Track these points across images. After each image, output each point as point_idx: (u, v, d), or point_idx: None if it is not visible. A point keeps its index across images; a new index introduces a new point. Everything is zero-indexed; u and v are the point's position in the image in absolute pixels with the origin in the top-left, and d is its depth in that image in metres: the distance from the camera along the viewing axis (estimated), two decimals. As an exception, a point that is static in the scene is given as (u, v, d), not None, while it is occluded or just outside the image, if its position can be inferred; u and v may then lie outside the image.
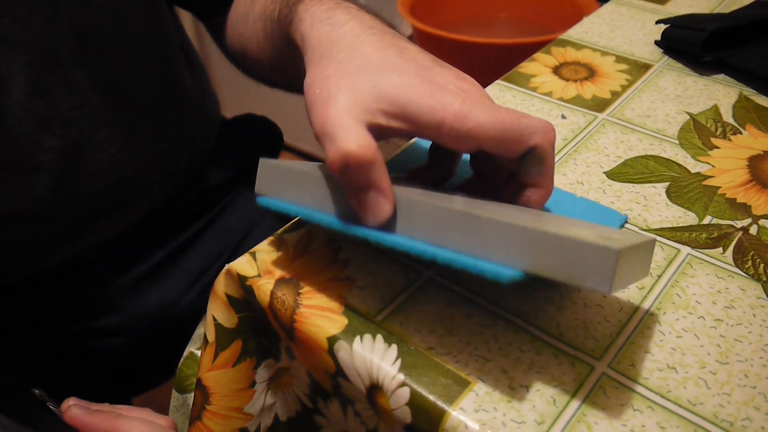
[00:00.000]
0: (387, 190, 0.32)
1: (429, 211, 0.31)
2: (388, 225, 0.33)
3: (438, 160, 0.40)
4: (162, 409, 0.53)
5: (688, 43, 0.57)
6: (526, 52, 0.64)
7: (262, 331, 0.42)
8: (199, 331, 0.55)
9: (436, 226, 0.31)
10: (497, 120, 0.31)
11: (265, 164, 0.38)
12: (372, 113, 0.32)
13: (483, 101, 0.32)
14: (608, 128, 0.51)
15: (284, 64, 0.52)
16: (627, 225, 0.42)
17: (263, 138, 0.75)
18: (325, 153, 0.32)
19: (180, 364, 0.50)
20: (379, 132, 0.33)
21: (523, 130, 0.32)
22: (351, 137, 0.31)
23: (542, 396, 0.32)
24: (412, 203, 0.32)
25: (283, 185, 0.37)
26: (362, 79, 0.33)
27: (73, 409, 0.48)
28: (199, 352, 0.48)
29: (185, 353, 0.50)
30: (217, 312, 0.42)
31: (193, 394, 0.46)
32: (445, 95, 0.32)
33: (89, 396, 0.64)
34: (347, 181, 0.32)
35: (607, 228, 0.32)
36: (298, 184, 0.36)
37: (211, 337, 0.42)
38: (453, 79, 0.33)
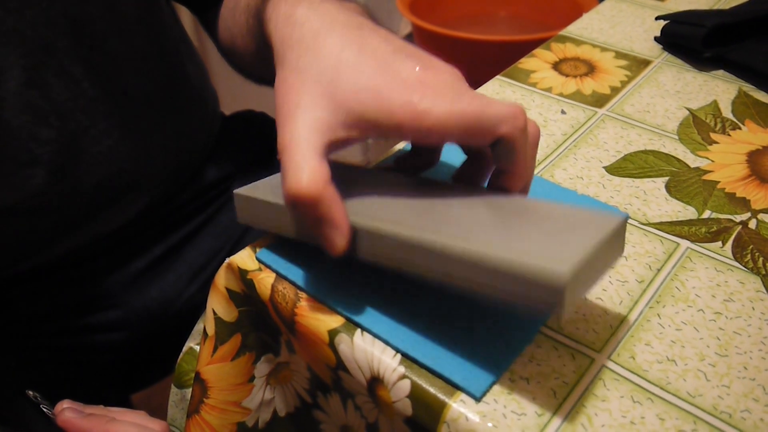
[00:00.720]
0: (339, 223, 0.32)
1: (388, 240, 0.31)
2: (352, 252, 0.33)
3: (418, 149, 0.40)
4: (161, 405, 0.53)
5: (688, 39, 0.57)
6: (525, 49, 0.64)
7: (262, 326, 0.42)
8: (199, 326, 0.55)
9: (396, 253, 0.31)
10: (458, 114, 0.31)
11: (239, 197, 0.39)
12: (331, 129, 0.32)
13: (445, 93, 0.32)
14: (608, 123, 0.51)
15: (267, 59, 0.52)
16: (628, 220, 0.42)
17: (262, 134, 0.75)
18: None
19: (179, 359, 0.50)
20: (343, 143, 0.33)
21: (486, 121, 0.31)
22: (300, 173, 0.31)
23: (542, 388, 0.32)
24: (371, 232, 0.32)
25: (261, 215, 0.38)
26: (321, 88, 0.32)
27: (66, 412, 0.48)
28: (198, 348, 0.48)
29: (184, 348, 0.50)
30: (217, 306, 0.42)
31: (191, 388, 0.46)
32: (404, 93, 0.31)
33: (88, 391, 0.64)
34: (301, 216, 0.33)
35: (582, 214, 0.31)
36: (271, 213, 0.37)
37: (211, 330, 0.42)
38: (415, 71, 0.32)
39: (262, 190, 0.39)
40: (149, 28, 0.56)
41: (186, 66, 0.63)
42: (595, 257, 0.27)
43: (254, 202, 0.38)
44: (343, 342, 0.35)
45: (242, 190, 0.39)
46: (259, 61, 0.54)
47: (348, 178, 0.39)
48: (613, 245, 0.30)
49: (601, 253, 0.28)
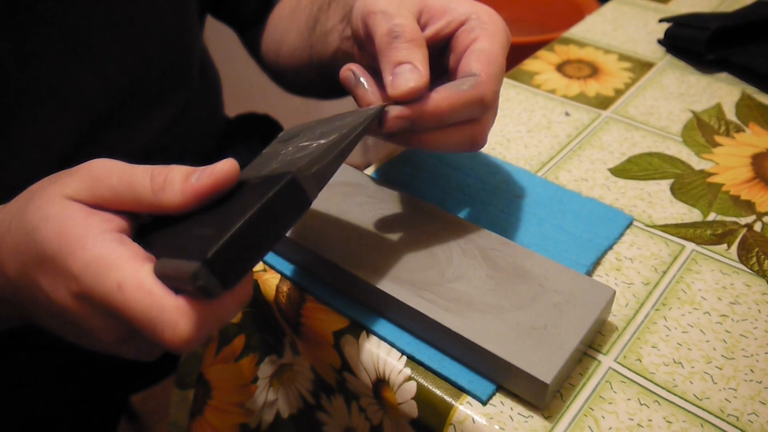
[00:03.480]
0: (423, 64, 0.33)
1: (410, 312, 0.33)
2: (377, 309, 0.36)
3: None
4: (162, 406, 0.53)
5: (691, 42, 0.57)
6: (526, 51, 0.64)
7: (266, 327, 0.41)
8: (201, 327, 0.55)
9: (413, 322, 0.34)
10: None
11: None
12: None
13: None
14: (612, 126, 0.51)
15: (318, 55, 0.52)
16: (633, 223, 0.42)
17: (265, 137, 0.75)
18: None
19: (181, 360, 0.50)
20: None
21: None
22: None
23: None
24: (397, 302, 0.34)
25: None
26: None
27: None
28: (200, 349, 0.48)
29: (187, 349, 0.49)
30: (221, 306, 0.41)
31: (193, 389, 0.46)
32: None
33: (87, 393, 0.64)
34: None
35: (572, 292, 0.34)
36: None
37: (215, 332, 0.42)
38: None
39: None
40: (180, 38, 0.56)
41: (204, 80, 0.63)
42: (577, 351, 0.32)
43: None
44: (348, 343, 0.35)
45: None
46: (309, 59, 0.54)
47: (350, 194, 0.39)
48: (596, 326, 0.33)
49: (586, 338, 0.33)
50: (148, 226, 0.30)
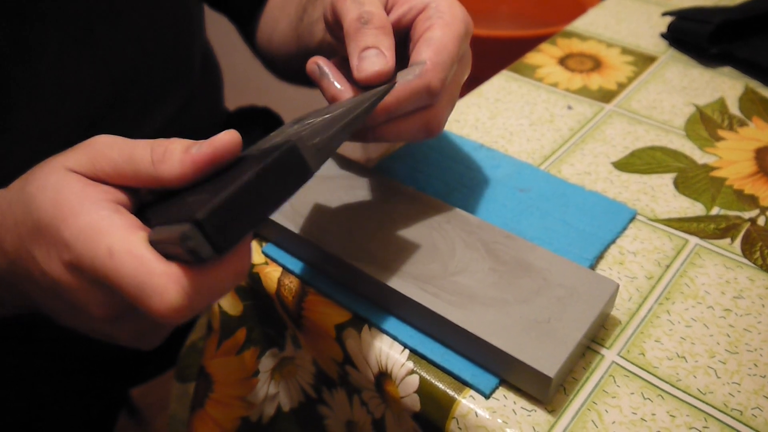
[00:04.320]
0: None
1: (414, 306, 0.33)
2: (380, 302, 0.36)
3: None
4: (161, 399, 0.53)
5: (694, 36, 0.57)
6: (528, 45, 0.63)
7: (267, 320, 0.41)
8: (201, 320, 0.55)
9: (416, 315, 0.34)
10: None
11: None
12: None
13: None
14: (615, 119, 0.51)
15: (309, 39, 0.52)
16: (636, 216, 0.41)
17: (266, 130, 0.75)
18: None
19: (181, 353, 0.49)
20: None
21: None
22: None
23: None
24: (400, 296, 0.34)
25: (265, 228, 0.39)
26: None
27: None
28: (201, 342, 0.48)
29: (187, 342, 0.49)
30: (223, 300, 0.41)
31: (194, 382, 0.46)
32: None
33: (87, 386, 0.64)
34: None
35: (575, 286, 0.34)
36: (272, 227, 0.38)
37: (216, 324, 0.42)
38: None
39: None
40: (179, 28, 0.56)
41: (206, 74, 0.63)
42: (580, 345, 0.32)
43: None
44: (350, 337, 0.35)
45: None
46: (296, 52, 0.54)
47: (352, 191, 0.39)
48: (599, 320, 0.33)
49: (590, 332, 0.32)
50: (149, 205, 0.30)
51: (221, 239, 0.24)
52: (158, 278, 0.25)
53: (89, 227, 0.26)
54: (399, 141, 0.37)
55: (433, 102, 0.33)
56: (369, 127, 0.34)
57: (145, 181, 0.29)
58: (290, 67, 0.60)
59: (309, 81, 0.59)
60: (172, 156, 0.28)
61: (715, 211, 0.42)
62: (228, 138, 0.27)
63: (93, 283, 0.28)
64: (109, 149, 0.29)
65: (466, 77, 0.37)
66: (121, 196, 0.29)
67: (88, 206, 0.27)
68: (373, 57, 0.32)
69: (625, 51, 0.59)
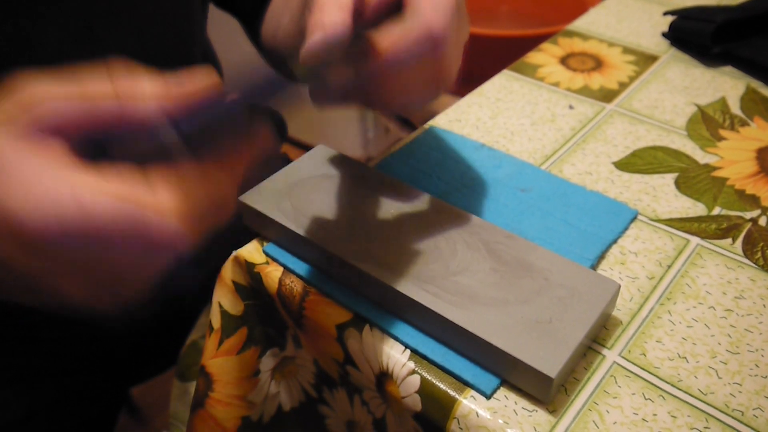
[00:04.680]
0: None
1: (415, 306, 0.33)
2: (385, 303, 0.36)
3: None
4: (162, 398, 0.53)
5: (696, 35, 0.57)
6: (528, 44, 0.63)
7: (268, 319, 0.41)
8: (202, 320, 0.55)
9: (417, 315, 0.34)
10: None
11: (242, 204, 0.39)
12: None
13: None
14: (616, 119, 0.50)
15: None
16: (638, 216, 0.41)
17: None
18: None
19: (182, 352, 0.50)
20: None
21: None
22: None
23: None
24: (401, 296, 0.34)
25: (264, 225, 0.39)
26: None
27: None
28: (201, 341, 0.48)
29: (187, 341, 0.49)
30: (224, 299, 0.41)
31: (194, 382, 0.46)
32: None
33: (87, 385, 0.64)
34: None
35: (576, 287, 0.33)
36: (274, 227, 0.38)
37: (217, 324, 0.42)
38: None
39: (265, 196, 0.39)
40: (181, 25, 0.55)
41: (203, 64, 0.63)
42: (581, 345, 0.32)
43: (256, 212, 0.38)
44: (351, 337, 0.35)
45: (246, 198, 0.39)
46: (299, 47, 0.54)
47: (353, 189, 0.39)
48: (601, 320, 0.33)
49: (586, 338, 0.32)
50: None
51: (192, 131, 0.24)
52: (143, 196, 0.23)
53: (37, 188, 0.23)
54: (406, 102, 0.35)
55: (437, 50, 0.31)
56: (370, 87, 0.32)
57: (105, 122, 0.25)
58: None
59: None
60: (144, 92, 0.25)
61: (716, 211, 0.42)
62: (206, 78, 0.26)
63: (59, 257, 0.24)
64: (44, 92, 0.25)
65: (466, 37, 0.35)
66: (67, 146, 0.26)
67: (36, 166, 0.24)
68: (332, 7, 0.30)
69: (627, 50, 0.59)
